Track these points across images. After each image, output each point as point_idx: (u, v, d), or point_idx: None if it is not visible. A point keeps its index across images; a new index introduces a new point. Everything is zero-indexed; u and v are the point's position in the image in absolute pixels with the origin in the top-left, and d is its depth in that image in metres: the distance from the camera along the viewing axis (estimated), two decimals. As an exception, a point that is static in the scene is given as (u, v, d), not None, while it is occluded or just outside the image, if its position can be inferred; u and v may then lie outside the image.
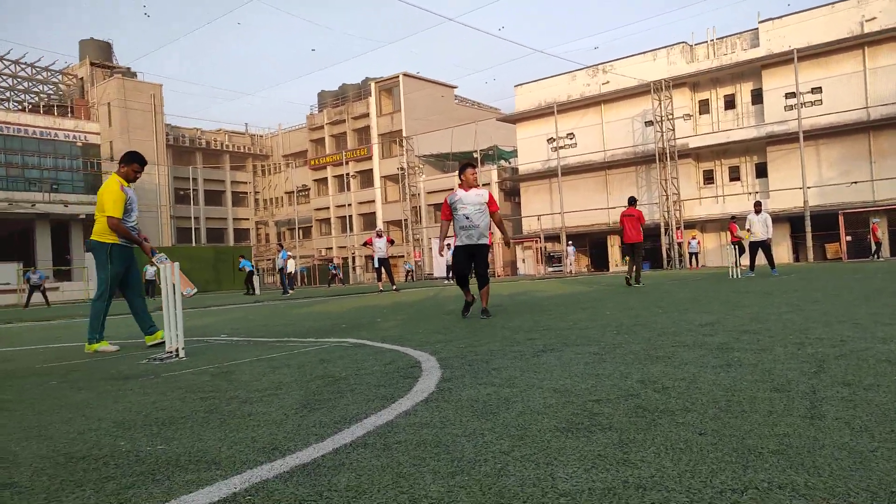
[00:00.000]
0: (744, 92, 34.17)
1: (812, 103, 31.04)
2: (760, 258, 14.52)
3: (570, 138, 38.84)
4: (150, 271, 25.15)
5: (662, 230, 33.75)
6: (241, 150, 63.60)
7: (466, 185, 6.69)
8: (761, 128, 32.51)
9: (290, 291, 22.86)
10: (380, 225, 46.23)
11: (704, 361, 3.11)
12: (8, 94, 45.99)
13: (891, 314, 4.71)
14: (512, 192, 44.27)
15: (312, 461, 1.83)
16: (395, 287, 18.15)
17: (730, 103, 34.80)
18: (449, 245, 7.62)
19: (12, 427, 2.54)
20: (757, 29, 33.29)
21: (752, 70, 33.14)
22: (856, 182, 29.81)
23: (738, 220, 18.49)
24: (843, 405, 2.12)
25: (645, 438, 1.86)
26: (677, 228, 33.42)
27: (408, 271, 43.71)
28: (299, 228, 56.58)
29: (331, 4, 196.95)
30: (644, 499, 1.41)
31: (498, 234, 6.80)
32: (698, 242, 31.57)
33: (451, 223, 6.81)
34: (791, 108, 31.17)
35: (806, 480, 1.47)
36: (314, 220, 58.67)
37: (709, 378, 2.69)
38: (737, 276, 14.29)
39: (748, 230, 14.27)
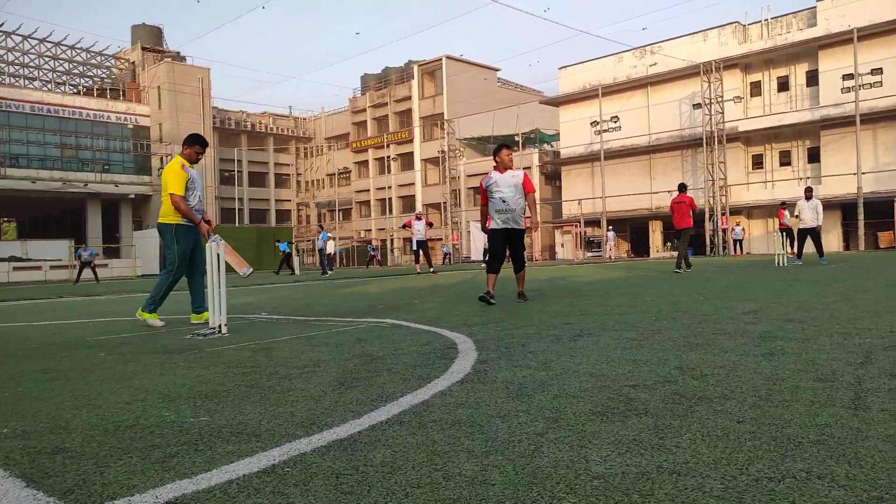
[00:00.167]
0: (798, 73, 32.94)
1: (871, 85, 29.70)
2: (809, 246, 14.08)
3: (615, 121, 38.12)
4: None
5: (707, 216, 32.95)
6: (285, 133, 64.49)
7: (502, 167, 6.55)
8: (815, 111, 31.31)
9: (330, 272, 23.19)
10: (419, 207, 46.34)
11: (745, 350, 3.05)
12: (64, 77, 47.50)
13: (947, 306, 4.52)
14: (553, 176, 43.77)
15: (349, 437, 1.86)
16: (432, 269, 18.24)
17: (783, 85, 33.60)
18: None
19: (65, 396, 2.66)
20: (815, 7, 31.96)
21: (807, 50, 31.87)
22: (915, 168, 28.58)
23: (787, 206, 17.93)
24: (889, 397, 2.06)
25: (681, 425, 1.84)
26: (722, 214, 32.59)
27: (445, 254, 43.80)
28: (339, 210, 57.15)
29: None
30: (678, 484, 1.40)
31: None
32: (742, 229, 30.70)
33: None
34: (848, 90, 29.89)
35: (847, 471, 1.44)
36: (354, 202, 59.20)
37: (749, 366, 2.64)
38: (783, 263, 13.90)
39: (797, 216, 13.85)
